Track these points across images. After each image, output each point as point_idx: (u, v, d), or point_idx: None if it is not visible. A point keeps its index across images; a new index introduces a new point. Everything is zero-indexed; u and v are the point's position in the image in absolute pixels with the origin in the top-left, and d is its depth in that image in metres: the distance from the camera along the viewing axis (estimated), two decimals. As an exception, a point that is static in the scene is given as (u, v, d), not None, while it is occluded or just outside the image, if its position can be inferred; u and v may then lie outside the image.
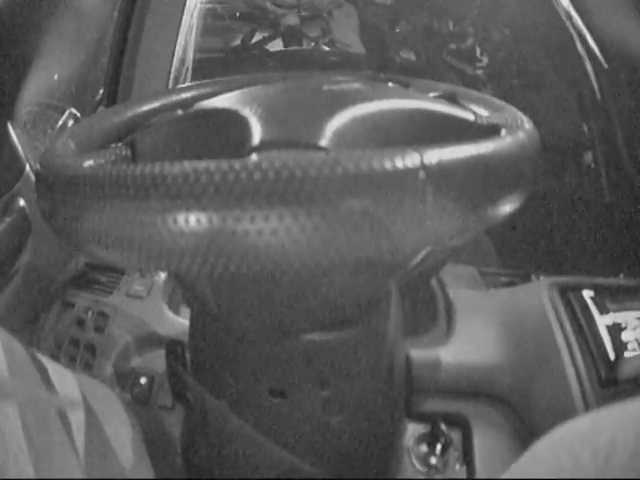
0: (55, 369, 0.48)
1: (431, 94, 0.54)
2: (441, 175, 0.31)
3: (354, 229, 0.29)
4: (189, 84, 0.63)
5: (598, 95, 1.10)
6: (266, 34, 1.72)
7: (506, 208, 0.36)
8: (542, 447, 0.32)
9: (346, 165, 0.29)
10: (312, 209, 0.28)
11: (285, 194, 0.28)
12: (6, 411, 0.38)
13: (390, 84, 0.60)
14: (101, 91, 1.05)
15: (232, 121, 0.44)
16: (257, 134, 0.41)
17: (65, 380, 0.49)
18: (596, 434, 0.29)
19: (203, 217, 0.29)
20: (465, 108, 0.50)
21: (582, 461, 0.28)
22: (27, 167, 0.74)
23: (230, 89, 0.54)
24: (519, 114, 0.45)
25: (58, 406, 0.44)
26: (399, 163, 0.29)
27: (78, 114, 0.96)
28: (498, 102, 0.50)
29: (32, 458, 0.37)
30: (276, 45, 1.72)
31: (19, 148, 0.73)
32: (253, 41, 1.74)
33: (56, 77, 0.92)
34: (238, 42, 1.72)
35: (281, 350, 0.48)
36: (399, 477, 0.63)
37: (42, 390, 0.45)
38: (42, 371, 0.46)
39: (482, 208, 0.34)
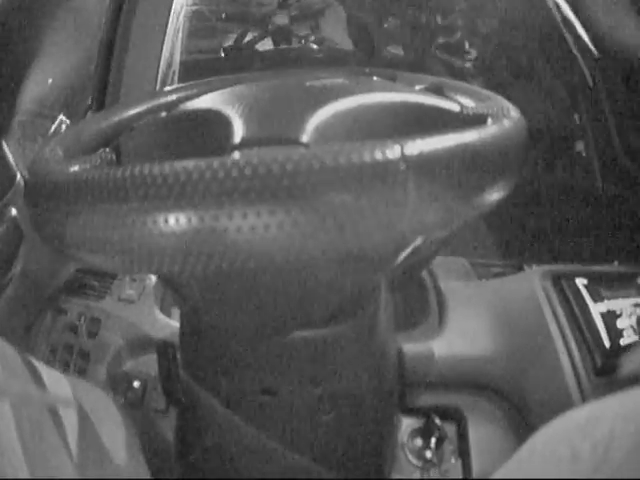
0: (48, 373, 0.48)
1: (417, 86, 0.54)
2: (423, 166, 0.30)
3: (334, 224, 0.29)
4: (173, 86, 0.63)
5: (590, 83, 1.10)
6: (255, 34, 1.71)
7: (492, 197, 0.36)
8: (541, 439, 0.32)
9: (324, 159, 0.28)
10: (291, 205, 0.28)
11: (263, 190, 0.28)
12: (0, 415, 0.38)
13: (375, 78, 0.60)
14: (91, 97, 1.05)
15: (215, 121, 0.44)
16: (239, 132, 0.41)
17: (58, 384, 0.49)
18: (595, 426, 0.29)
19: (182, 217, 0.29)
20: (451, 99, 0.50)
21: (581, 453, 0.28)
22: (18, 176, 0.74)
23: (213, 89, 0.54)
24: (505, 103, 0.45)
25: (51, 409, 0.44)
26: (379, 155, 0.29)
27: (69, 121, 0.97)
28: (484, 92, 0.50)
29: (27, 461, 0.37)
30: (266, 44, 1.72)
31: (10, 157, 0.73)
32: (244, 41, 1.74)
33: (49, 82, 0.92)
34: (228, 43, 1.72)
35: (271, 348, 0.48)
36: (394, 472, 0.63)
37: (35, 393, 0.45)
38: (35, 375, 0.46)
39: (466, 198, 0.33)
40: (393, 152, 0.29)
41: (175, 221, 0.29)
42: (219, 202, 0.28)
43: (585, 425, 0.29)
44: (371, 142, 0.30)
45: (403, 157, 0.30)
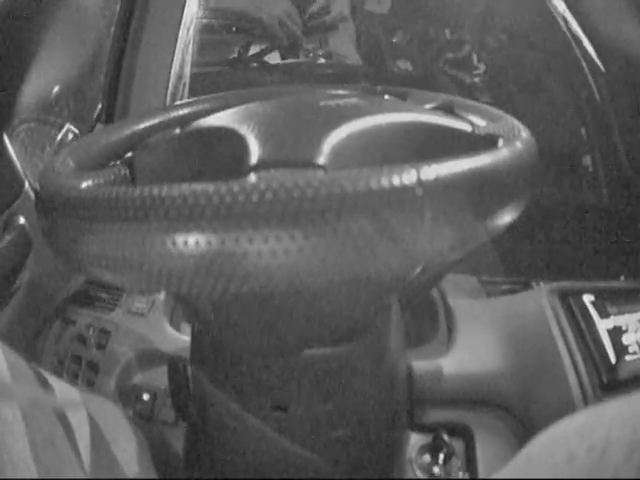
0: (59, 386, 0.49)
1: (428, 105, 0.54)
2: (438, 191, 0.31)
3: (352, 249, 0.29)
4: (187, 101, 0.63)
5: (597, 98, 1.10)
6: (263, 46, 1.71)
7: (505, 219, 0.36)
8: (538, 443, 0.32)
9: (343, 185, 0.29)
10: (310, 229, 0.28)
11: (283, 215, 0.28)
12: (12, 428, 0.38)
13: (387, 96, 0.60)
14: (99, 107, 1.05)
15: (230, 140, 0.44)
16: (255, 153, 0.41)
17: (70, 397, 0.49)
18: (592, 429, 0.29)
19: (202, 239, 0.29)
20: (462, 119, 0.50)
21: (578, 456, 0.28)
22: (26, 184, 0.74)
23: (227, 105, 0.54)
24: (516, 123, 0.45)
25: (62, 420, 0.44)
26: (396, 181, 0.29)
27: (76, 130, 0.97)
28: (495, 112, 0.50)
29: (38, 472, 0.38)
30: (274, 57, 1.72)
31: (17, 165, 0.73)
32: (250, 54, 1.73)
33: (55, 90, 0.92)
34: (233, 55, 1.71)
35: (282, 365, 0.48)
36: None
37: (48, 408, 0.45)
38: (46, 388, 0.46)
39: (481, 221, 0.34)
40: (410, 177, 0.30)
41: (195, 243, 0.29)
42: (239, 225, 0.28)
43: (582, 429, 0.29)
44: (388, 167, 0.30)
45: (419, 182, 0.30)
